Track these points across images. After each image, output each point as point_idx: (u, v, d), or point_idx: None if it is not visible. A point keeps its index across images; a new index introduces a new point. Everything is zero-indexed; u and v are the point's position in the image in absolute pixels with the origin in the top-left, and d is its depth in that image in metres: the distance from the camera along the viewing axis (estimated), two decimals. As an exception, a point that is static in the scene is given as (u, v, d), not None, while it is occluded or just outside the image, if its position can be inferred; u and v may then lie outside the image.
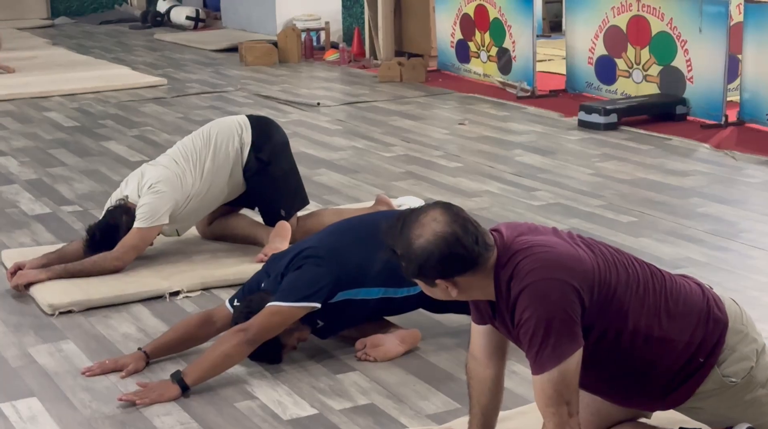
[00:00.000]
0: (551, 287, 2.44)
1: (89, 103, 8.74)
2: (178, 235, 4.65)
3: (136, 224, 4.36)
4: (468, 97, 8.82)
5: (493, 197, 5.73)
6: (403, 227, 2.50)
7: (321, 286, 3.44)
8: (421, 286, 2.60)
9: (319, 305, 3.43)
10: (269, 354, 3.52)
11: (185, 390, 3.34)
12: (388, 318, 3.76)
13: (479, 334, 2.72)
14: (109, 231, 4.41)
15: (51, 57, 11.24)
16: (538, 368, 2.45)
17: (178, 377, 3.35)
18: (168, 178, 4.44)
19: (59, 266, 4.30)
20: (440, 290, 2.55)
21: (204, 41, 12.21)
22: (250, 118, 4.73)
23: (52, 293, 4.16)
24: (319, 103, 8.54)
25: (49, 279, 4.25)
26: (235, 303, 3.60)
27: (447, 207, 2.53)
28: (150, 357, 3.58)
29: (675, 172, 6.22)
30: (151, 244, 4.52)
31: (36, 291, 4.22)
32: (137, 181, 4.49)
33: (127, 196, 4.46)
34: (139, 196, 4.42)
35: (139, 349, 3.60)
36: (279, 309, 3.40)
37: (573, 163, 6.48)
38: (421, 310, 3.91)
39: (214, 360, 3.38)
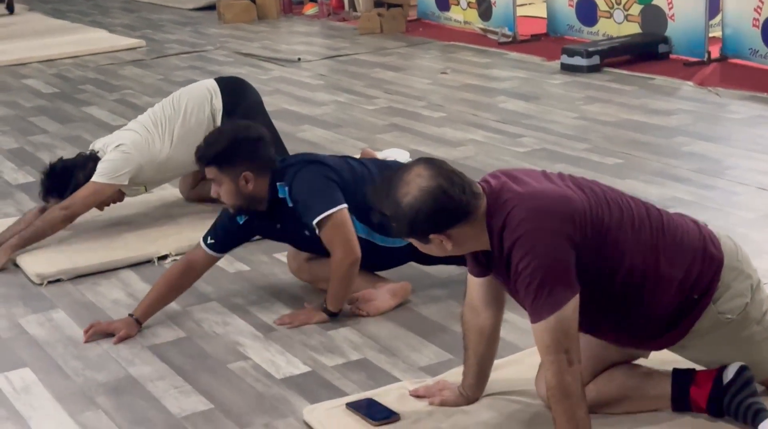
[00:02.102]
0: (543, 236, 2.43)
1: (68, 68, 8.66)
2: (146, 191, 4.60)
3: (93, 178, 4.29)
4: (449, 46, 8.76)
5: (478, 146, 5.71)
6: (389, 188, 2.49)
7: (334, 189, 3.47)
8: (416, 244, 2.59)
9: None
10: None
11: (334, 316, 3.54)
12: (377, 272, 3.76)
13: (476, 285, 2.73)
14: (67, 170, 4.34)
15: (27, 23, 11.12)
16: (535, 317, 2.45)
17: (323, 307, 3.55)
18: (135, 141, 4.39)
19: (13, 238, 4.25)
20: (435, 246, 2.54)
21: (181, 0, 12.08)
22: (220, 82, 4.64)
23: (39, 262, 4.15)
24: (299, 59, 8.48)
25: (8, 256, 4.20)
26: (209, 240, 3.60)
27: (430, 162, 2.52)
28: (141, 321, 3.58)
29: (659, 112, 6.20)
30: (108, 205, 4.44)
31: (23, 261, 4.20)
32: (103, 144, 4.45)
33: (96, 150, 4.42)
34: (105, 153, 4.38)
35: (130, 315, 3.59)
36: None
37: (557, 108, 6.46)
38: (410, 262, 3.92)
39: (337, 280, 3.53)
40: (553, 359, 2.43)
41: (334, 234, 3.45)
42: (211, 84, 4.63)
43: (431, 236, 2.51)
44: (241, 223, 3.62)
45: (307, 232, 3.53)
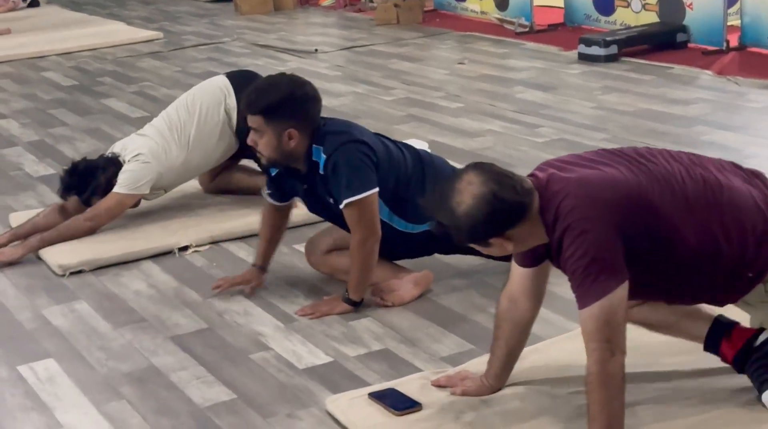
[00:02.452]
0: (589, 225, 2.44)
1: (86, 60, 8.70)
2: (165, 193, 4.64)
3: (115, 189, 4.34)
4: (466, 36, 8.76)
5: (496, 136, 5.71)
6: (442, 198, 2.51)
7: (370, 171, 3.49)
8: (478, 248, 2.61)
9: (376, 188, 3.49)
10: None
11: (356, 305, 3.57)
12: (399, 263, 3.77)
13: (520, 275, 2.74)
14: (89, 170, 4.38)
15: (45, 15, 11.16)
16: (581, 303, 2.47)
17: (345, 297, 3.58)
18: (153, 150, 4.41)
19: (34, 238, 4.28)
20: (496, 248, 2.56)
21: (198, -8, 12.09)
22: (232, 79, 4.60)
23: (61, 254, 4.18)
24: (317, 50, 8.49)
25: (25, 254, 4.23)
26: (268, 191, 3.73)
27: (479, 167, 2.53)
28: (265, 268, 3.82)
29: (678, 101, 6.19)
30: (134, 206, 4.50)
31: (45, 252, 4.23)
32: (123, 147, 4.47)
33: (117, 154, 4.44)
34: (124, 162, 4.41)
35: (253, 265, 3.81)
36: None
37: (575, 98, 6.45)
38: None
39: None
40: (595, 347, 2.43)
41: (359, 216, 3.47)
42: (223, 83, 4.59)
43: (491, 240, 2.52)
44: (273, 175, 3.67)
45: (330, 200, 3.55)
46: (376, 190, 3.49)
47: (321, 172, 3.51)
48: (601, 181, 2.51)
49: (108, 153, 4.49)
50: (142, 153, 4.39)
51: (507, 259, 2.84)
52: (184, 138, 4.48)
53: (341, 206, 3.48)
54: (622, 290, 2.45)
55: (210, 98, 4.55)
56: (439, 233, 2.57)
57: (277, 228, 3.81)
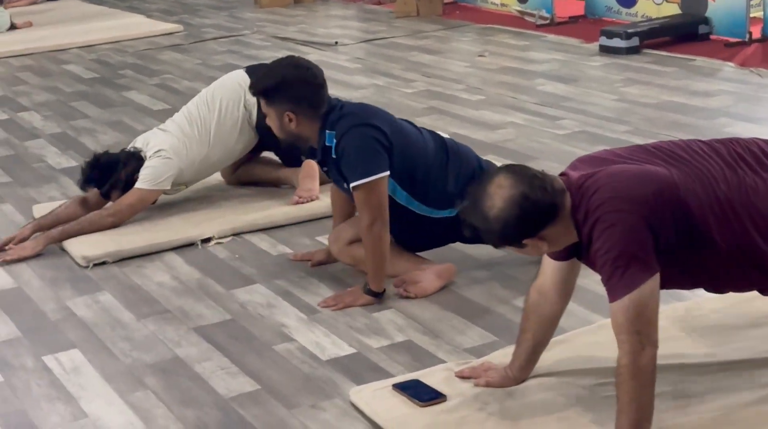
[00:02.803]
0: (619, 218, 2.44)
1: (107, 53, 8.73)
2: (186, 187, 4.65)
3: (137, 184, 4.36)
4: (486, 28, 8.74)
5: (517, 128, 5.70)
6: (475, 202, 2.50)
7: (380, 154, 3.50)
8: (513, 251, 2.60)
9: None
10: None
11: (378, 296, 3.59)
12: (421, 254, 3.77)
13: (552, 268, 2.73)
14: (111, 164, 4.40)
15: (66, 9, 11.21)
16: (611, 296, 2.46)
17: (366, 288, 3.59)
18: (174, 146, 4.42)
19: (56, 230, 4.30)
20: (531, 249, 2.55)
21: (217, -15, 12.11)
22: (251, 74, 4.57)
23: (85, 245, 4.20)
24: (337, 42, 8.48)
25: (47, 245, 4.24)
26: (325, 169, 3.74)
27: (509, 169, 2.53)
28: None
29: (700, 93, 6.16)
30: (154, 203, 4.52)
31: (69, 244, 4.25)
32: (145, 141, 4.49)
33: (139, 149, 4.46)
34: (146, 157, 4.42)
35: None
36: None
37: (596, 90, 6.43)
38: (452, 245, 3.93)
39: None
40: (625, 339, 2.42)
41: (366, 199, 3.48)
42: (242, 78, 4.58)
43: (524, 241, 2.51)
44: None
45: (345, 185, 3.58)
46: (386, 173, 3.49)
47: (334, 156, 3.54)
48: (631, 175, 2.50)
49: (130, 147, 4.50)
50: (164, 149, 4.40)
51: None
52: (204, 134, 4.49)
53: (350, 188, 3.50)
54: (653, 282, 2.44)
55: (230, 94, 4.56)
56: (472, 237, 2.57)
57: (346, 212, 3.84)
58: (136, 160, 4.41)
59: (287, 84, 3.53)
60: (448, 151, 3.69)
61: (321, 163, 3.70)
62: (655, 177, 2.50)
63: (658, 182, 2.49)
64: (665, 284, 2.51)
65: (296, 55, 3.72)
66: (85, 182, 4.44)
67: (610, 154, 2.64)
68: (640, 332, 2.42)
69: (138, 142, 4.52)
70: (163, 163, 4.39)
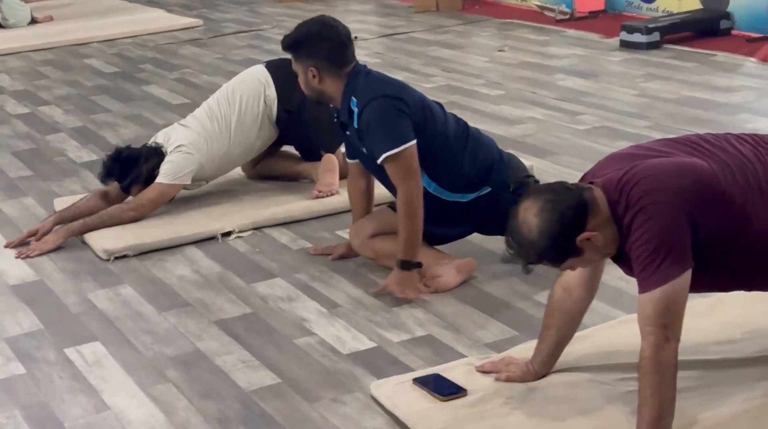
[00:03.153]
0: (658, 211, 2.43)
1: (127, 47, 8.75)
2: (206, 183, 4.66)
3: (158, 179, 4.38)
4: (506, 23, 8.72)
5: (537, 123, 5.68)
6: (514, 237, 2.52)
7: (406, 123, 3.53)
8: (576, 263, 2.57)
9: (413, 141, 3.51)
10: None
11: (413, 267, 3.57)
12: (441, 249, 3.77)
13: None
14: (132, 158, 4.42)
15: (86, 3, 11.23)
16: (642, 288, 2.45)
17: (401, 263, 3.57)
18: (194, 142, 4.44)
19: (77, 223, 4.31)
20: (588, 251, 2.51)
21: (236, -21, 12.12)
22: (271, 69, 4.61)
23: (106, 239, 4.21)
24: (356, 37, 8.44)
25: (67, 238, 4.26)
26: (344, 151, 3.84)
27: (530, 192, 2.55)
28: None
29: (722, 89, 6.13)
30: (172, 199, 4.54)
31: (90, 238, 4.27)
32: (165, 137, 4.51)
33: (160, 144, 4.48)
34: (166, 152, 4.44)
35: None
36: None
37: (616, 85, 6.41)
38: (472, 240, 3.94)
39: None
40: (651, 331, 2.42)
41: (398, 169, 3.49)
42: (262, 74, 4.60)
43: (578, 244, 2.48)
44: (335, 120, 3.76)
45: (364, 150, 3.59)
46: (413, 142, 3.50)
47: (356, 125, 3.55)
48: (671, 167, 2.49)
49: (151, 142, 4.52)
50: (184, 144, 4.42)
51: None
52: (225, 130, 4.50)
53: (379, 162, 3.51)
54: (686, 277, 2.43)
55: (250, 90, 4.57)
56: (529, 271, 2.57)
57: (367, 190, 3.84)
58: (157, 155, 4.43)
59: (310, 39, 3.61)
60: (469, 136, 3.70)
61: (342, 126, 3.70)
62: (695, 168, 2.49)
63: (697, 173, 2.48)
64: (701, 284, 2.50)
65: (330, 24, 3.74)
66: (106, 176, 4.46)
67: (638, 149, 2.63)
68: (667, 326, 2.41)
69: (159, 138, 4.53)
70: (183, 158, 4.40)
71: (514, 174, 3.71)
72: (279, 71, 4.58)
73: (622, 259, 2.58)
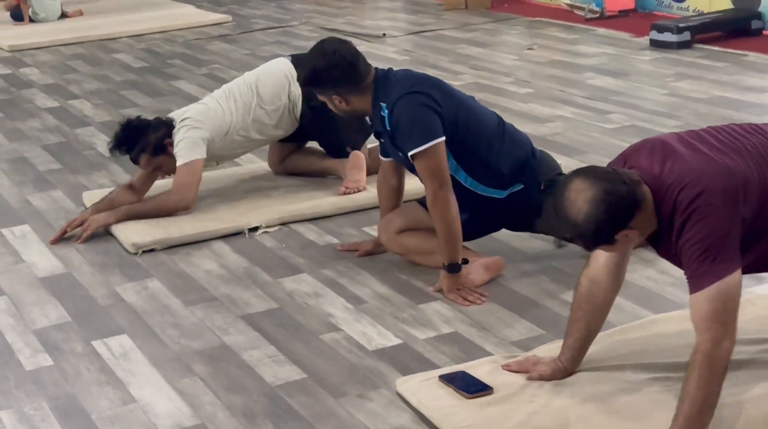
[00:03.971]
0: (710, 212, 2.43)
1: (157, 42, 8.79)
2: (217, 165, 4.68)
3: (178, 162, 4.39)
4: (535, 22, 8.69)
5: (566, 122, 5.66)
6: (558, 212, 2.49)
7: (433, 120, 3.52)
8: (605, 250, 2.59)
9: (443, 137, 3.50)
10: None
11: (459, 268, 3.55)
12: (469, 246, 3.76)
13: (606, 256, 2.71)
14: (140, 127, 4.45)
15: (116, -1, 11.30)
16: (695, 286, 2.45)
17: (446, 267, 3.55)
18: (200, 112, 4.47)
19: (124, 207, 4.35)
20: (621, 244, 2.54)
21: (266, -24, 12.15)
22: (295, 63, 4.59)
23: (134, 233, 4.23)
24: (384, 34, 8.48)
25: (118, 220, 4.31)
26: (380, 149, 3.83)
27: (581, 172, 2.52)
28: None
29: (753, 89, 6.08)
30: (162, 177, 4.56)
31: (118, 231, 4.29)
32: (179, 113, 4.55)
33: (172, 118, 4.51)
34: (176, 124, 4.45)
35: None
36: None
37: (646, 84, 6.37)
38: (500, 238, 3.93)
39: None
40: (708, 326, 2.41)
41: (426, 166, 3.49)
42: (288, 68, 4.61)
43: (616, 237, 2.49)
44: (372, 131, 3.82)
45: (400, 154, 3.59)
46: (442, 139, 3.49)
47: (388, 128, 3.56)
48: (713, 169, 2.49)
49: (164, 117, 4.56)
50: (188, 116, 4.45)
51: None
52: (241, 111, 4.52)
53: (407, 157, 3.52)
54: (738, 276, 2.44)
55: (274, 82, 4.58)
56: (561, 245, 2.56)
57: (398, 187, 3.83)
58: (165, 125, 4.46)
59: (320, 75, 3.60)
60: (505, 130, 3.70)
61: (377, 135, 3.72)
62: (730, 169, 2.49)
63: (735, 173, 2.48)
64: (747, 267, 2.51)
65: (326, 38, 3.78)
66: (115, 146, 4.47)
67: (671, 139, 2.61)
68: (725, 323, 2.41)
69: (173, 114, 4.57)
70: (190, 131, 4.40)
71: (547, 172, 3.70)
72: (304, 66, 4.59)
73: (667, 251, 2.57)
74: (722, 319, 2.41)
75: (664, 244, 2.57)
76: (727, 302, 2.42)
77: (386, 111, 3.54)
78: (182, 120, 4.44)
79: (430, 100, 3.52)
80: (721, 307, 2.41)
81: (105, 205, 4.42)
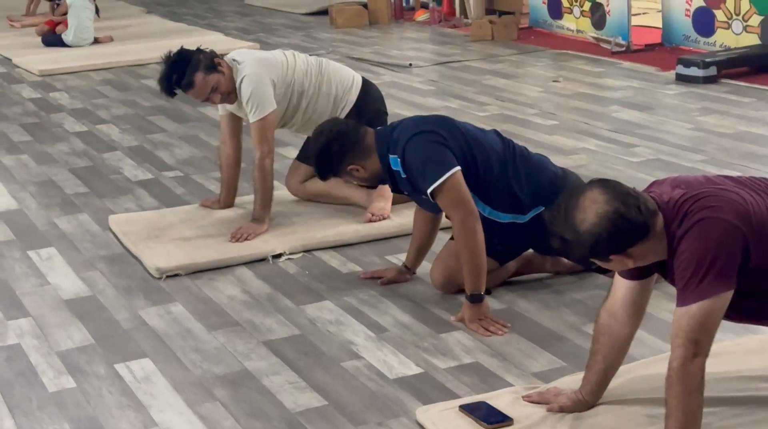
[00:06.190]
0: (714, 226, 2.44)
1: (185, 69, 8.85)
2: (283, 127, 4.73)
3: (251, 119, 4.44)
4: (561, 54, 8.71)
5: (590, 154, 5.67)
6: (566, 213, 2.50)
7: (444, 152, 3.55)
8: (598, 263, 2.61)
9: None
10: None
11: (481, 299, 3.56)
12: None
13: (623, 288, 2.72)
14: (185, 53, 4.45)
15: (146, 25, 11.42)
16: (680, 301, 2.46)
17: (470, 297, 3.55)
18: (256, 60, 4.50)
19: (258, 207, 4.47)
20: (616, 264, 2.56)
21: (294, 5, 12.26)
22: (365, 85, 4.70)
23: (159, 257, 4.26)
24: (411, 64, 8.52)
25: (267, 224, 4.48)
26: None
27: (604, 184, 2.52)
28: (412, 269, 3.95)
29: (779, 125, 6.07)
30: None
31: (143, 255, 4.32)
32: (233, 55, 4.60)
33: (234, 59, 4.52)
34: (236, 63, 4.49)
35: (404, 266, 3.95)
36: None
37: (672, 118, 6.37)
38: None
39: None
40: (681, 343, 2.43)
41: (448, 199, 3.51)
42: (357, 76, 4.73)
43: (612, 257, 2.51)
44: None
45: (424, 197, 3.61)
46: (457, 168, 3.51)
47: (404, 176, 3.57)
48: (727, 194, 2.50)
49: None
50: (245, 74, 4.43)
51: (602, 271, 2.82)
52: (309, 77, 4.58)
53: (428, 195, 3.53)
54: (726, 297, 2.44)
55: (338, 75, 4.67)
56: (559, 248, 2.56)
57: (432, 230, 3.88)
58: (202, 53, 4.45)
59: (326, 157, 3.67)
60: (517, 156, 3.71)
61: (396, 190, 3.75)
62: (749, 197, 2.50)
63: (754, 207, 2.49)
64: (748, 310, 2.50)
65: (320, 129, 3.79)
66: (166, 76, 4.44)
67: (694, 180, 2.62)
68: (698, 342, 2.43)
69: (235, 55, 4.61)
70: (255, 86, 4.41)
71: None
72: (369, 89, 4.72)
73: (669, 272, 2.57)
74: (696, 337, 2.43)
75: (671, 270, 2.55)
76: (706, 321, 2.43)
77: (397, 161, 3.58)
78: (242, 79, 4.42)
79: (436, 135, 3.55)
80: (698, 326, 2.42)
81: (225, 195, 4.73)
